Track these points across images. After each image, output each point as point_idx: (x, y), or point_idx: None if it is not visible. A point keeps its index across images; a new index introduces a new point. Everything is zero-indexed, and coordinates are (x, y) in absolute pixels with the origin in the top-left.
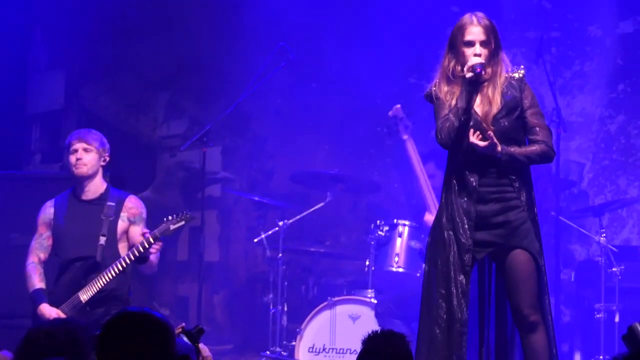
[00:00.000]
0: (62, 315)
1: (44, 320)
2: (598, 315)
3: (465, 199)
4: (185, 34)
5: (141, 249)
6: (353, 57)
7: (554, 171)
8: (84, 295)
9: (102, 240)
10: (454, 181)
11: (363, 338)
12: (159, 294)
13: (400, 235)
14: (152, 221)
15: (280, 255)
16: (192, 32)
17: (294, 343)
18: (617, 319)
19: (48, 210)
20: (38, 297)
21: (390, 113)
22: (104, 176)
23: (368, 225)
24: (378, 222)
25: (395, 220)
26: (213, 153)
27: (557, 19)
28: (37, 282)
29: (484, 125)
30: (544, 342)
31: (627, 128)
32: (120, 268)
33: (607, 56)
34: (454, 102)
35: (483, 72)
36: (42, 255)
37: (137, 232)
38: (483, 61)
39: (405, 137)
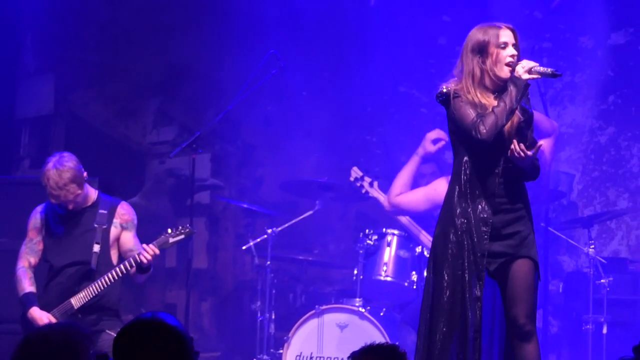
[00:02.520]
0: (53, 320)
1: (36, 324)
2: (586, 327)
3: (482, 205)
4: (176, 40)
5: (141, 259)
6: (343, 65)
7: (544, 182)
8: (77, 302)
9: (97, 248)
10: (468, 188)
11: (354, 353)
12: (147, 300)
13: (389, 245)
14: (140, 228)
15: (268, 263)
16: (182, 38)
17: (281, 351)
18: (605, 331)
19: (38, 216)
20: (28, 300)
21: (350, 178)
22: (92, 183)
23: (357, 234)
24: (367, 230)
25: (384, 230)
26: (202, 160)
27: (549, 30)
28: (28, 285)
29: (509, 132)
30: (537, 353)
31: (617, 140)
32: (116, 277)
33: (598, 67)
34: (487, 101)
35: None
36: (33, 260)
37: (129, 238)
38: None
39: (370, 192)
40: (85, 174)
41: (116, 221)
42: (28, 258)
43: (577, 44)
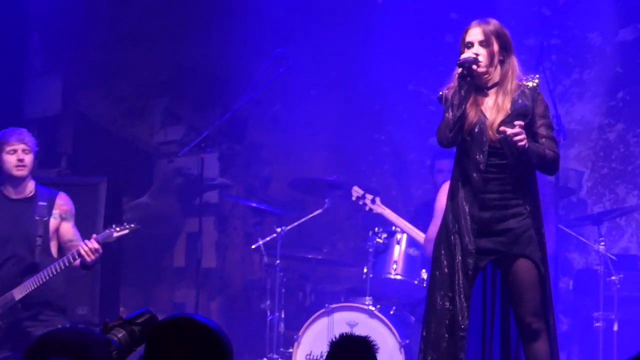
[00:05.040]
0: None
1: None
2: (596, 324)
3: (470, 202)
4: (183, 39)
5: (81, 253)
6: (351, 63)
7: (553, 179)
8: (18, 294)
9: (39, 241)
10: (460, 185)
11: (329, 341)
12: (156, 300)
13: (398, 243)
14: (150, 228)
15: (277, 261)
16: (190, 38)
17: (291, 350)
18: (615, 328)
19: None
20: None
21: (352, 198)
22: (100, 183)
23: (366, 232)
24: (376, 229)
25: (393, 228)
26: (211, 159)
27: (557, 26)
28: None
29: (490, 130)
30: (546, 350)
31: (626, 136)
32: (58, 269)
33: (606, 64)
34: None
35: (477, 67)
36: None
37: (68, 228)
38: (473, 56)
39: (374, 209)
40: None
41: (55, 212)
42: None
43: (585, 41)
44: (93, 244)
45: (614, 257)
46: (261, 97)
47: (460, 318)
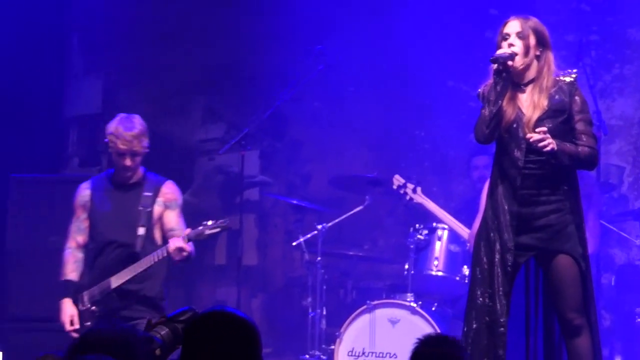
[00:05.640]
0: (75, 322)
1: (61, 314)
2: (639, 320)
3: (509, 199)
4: (223, 38)
5: (169, 250)
6: (390, 60)
7: (595, 174)
8: (115, 282)
9: (142, 230)
10: (499, 181)
11: (416, 340)
12: (197, 297)
13: (439, 239)
14: (190, 225)
15: (318, 259)
16: (230, 35)
17: (333, 347)
18: None
19: (84, 192)
20: (66, 289)
21: (393, 187)
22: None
23: (407, 228)
24: (417, 225)
25: (434, 224)
26: (251, 157)
27: (597, 22)
28: (69, 271)
29: (526, 128)
30: (588, 346)
31: None
32: (151, 263)
33: None
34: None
35: (512, 62)
36: (80, 239)
37: (171, 217)
38: (509, 51)
39: (415, 198)
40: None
41: (159, 200)
42: (75, 237)
43: (625, 36)
44: (179, 242)
45: None
46: (301, 95)
47: (499, 315)
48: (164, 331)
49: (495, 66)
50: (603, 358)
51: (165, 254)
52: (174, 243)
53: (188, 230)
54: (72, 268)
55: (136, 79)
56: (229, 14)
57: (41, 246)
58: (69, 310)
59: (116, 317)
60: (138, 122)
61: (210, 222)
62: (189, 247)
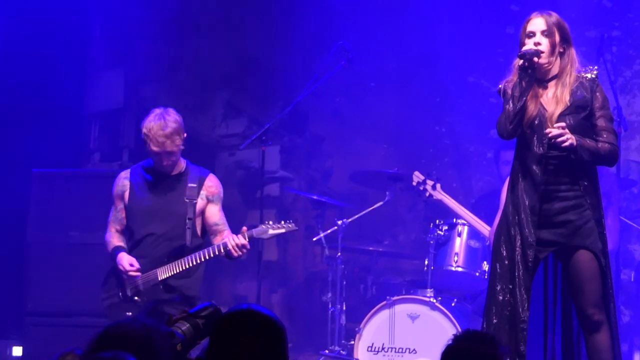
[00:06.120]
0: (134, 263)
1: (122, 267)
2: None
3: (530, 194)
4: (244, 33)
5: (229, 248)
6: (412, 56)
7: (615, 171)
8: (162, 275)
9: (189, 223)
10: (520, 177)
11: (453, 335)
12: (218, 292)
13: (459, 235)
14: None
15: (338, 254)
16: (251, 31)
17: (352, 342)
18: None
19: (123, 182)
20: (117, 251)
21: (413, 183)
22: None
23: (427, 224)
24: (437, 221)
25: (454, 220)
26: (272, 152)
27: (618, 18)
28: (117, 241)
29: (549, 122)
30: (607, 342)
31: None
32: (203, 259)
33: None
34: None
35: (538, 59)
36: (119, 227)
37: (214, 211)
38: (535, 48)
39: (434, 195)
40: (185, 134)
41: (203, 193)
42: (115, 226)
43: None
44: (241, 239)
45: None
46: (322, 90)
47: (520, 310)
48: (185, 326)
49: (520, 62)
50: (622, 354)
51: (221, 251)
52: (235, 240)
53: (244, 229)
54: (118, 240)
55: (158, 75)
56: (250, 10)
57: (62, 241)
58: (126, 257)
59: (157, 311)
60: (172, 120)
61: (271, 222)
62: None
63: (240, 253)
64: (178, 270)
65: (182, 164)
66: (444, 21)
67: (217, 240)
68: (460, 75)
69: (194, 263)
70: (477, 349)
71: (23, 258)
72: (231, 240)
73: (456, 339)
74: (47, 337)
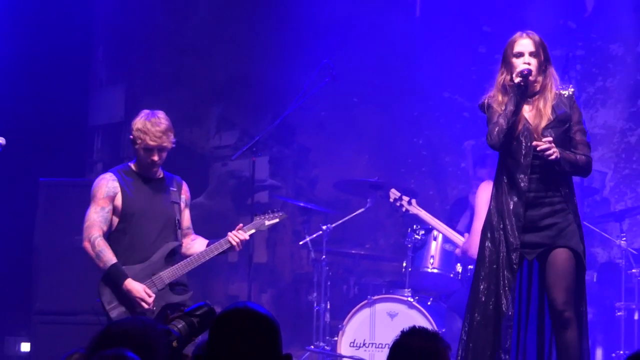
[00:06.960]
0: (150, 293)
1: (133, 295)
2: (619, 314)
3: (515, 201)
4: (236, 52)
5: (234, 243)
6: (392, 73)
7: (579, 179)
8: (168, 278)
9: (178, 224)
10: (505, 184)
11: (400, 332)
12: (212, 292)
13: (435, 239)
14: (205, 226)
15: (323, 257)
16: (243, 50)
17: (336, 338)
18: (636, 317)
19: (113, 184)
20: (119, 272)
21: (390, 200)
22: None
23: (405, 229)
24: (414, 226)
25: (430, 225)
26: (261, 162)
27: (582, 38)
28: (112, 256)
29: (535, 134)
30: (575, 338)
31: None
32: (207, 257)
33: (628, 73)
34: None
35: (530, 77)
36: (105, 228)
37: (188, 215)
38: (528, 67)
39: (410, 210)
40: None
41: (183, 197)
42: (102, 227)
43: (608, 51)
44: (244, 235)
45: (634, 252)
46: (309, 105)
47: (505, 309)
48: (180, 324)
49: (517, 80)
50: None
51: (224, 248)
52: (239, 236)
53: (241, 225)
54: (112, 254)
55: (156, 90)
56: (243, 30)
57: (67, 245)
58: (139, 287)
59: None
60: (164, 118)
61: (265, 214)
62: None
63: (241, 247)
64: (185, 271)
65: (160, 169)
66: (421, 40)
67: (186, 242)
68: (437, 91)
69: (199, 263)
70: (421, 343)
71: (31, 261)
72: (234, 237)
73: (402, 334)
74: (54, 334)
